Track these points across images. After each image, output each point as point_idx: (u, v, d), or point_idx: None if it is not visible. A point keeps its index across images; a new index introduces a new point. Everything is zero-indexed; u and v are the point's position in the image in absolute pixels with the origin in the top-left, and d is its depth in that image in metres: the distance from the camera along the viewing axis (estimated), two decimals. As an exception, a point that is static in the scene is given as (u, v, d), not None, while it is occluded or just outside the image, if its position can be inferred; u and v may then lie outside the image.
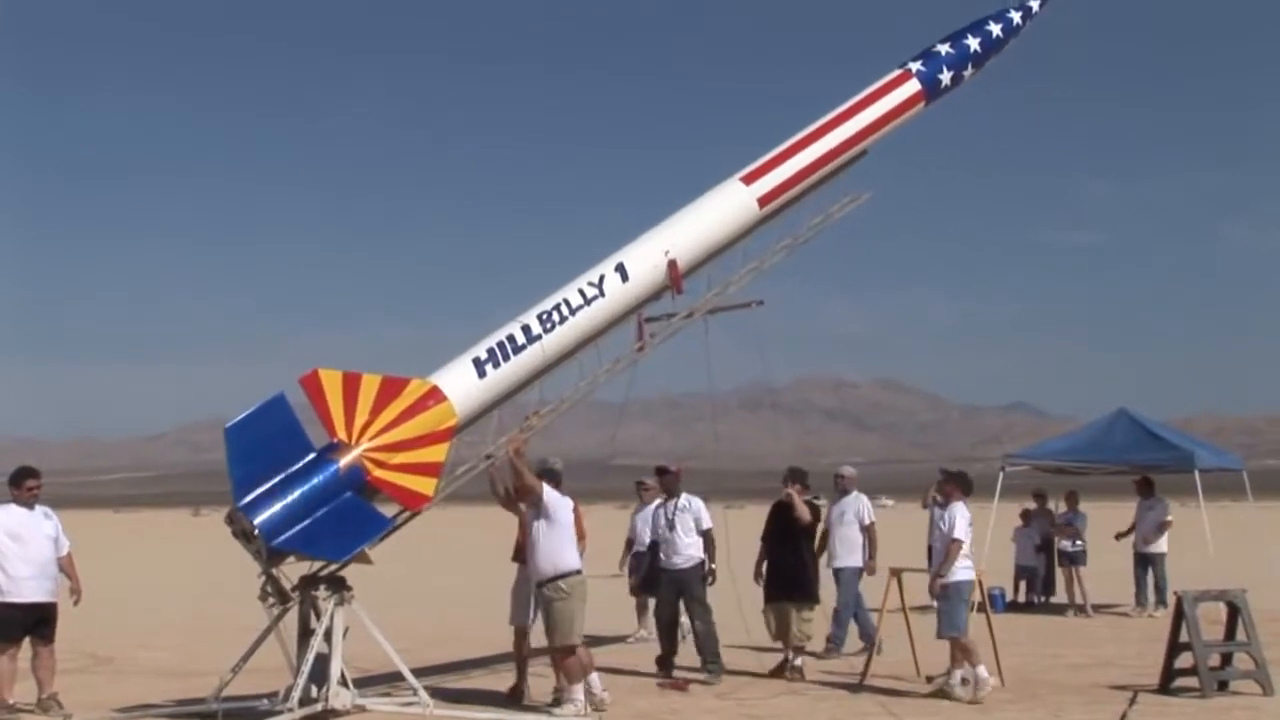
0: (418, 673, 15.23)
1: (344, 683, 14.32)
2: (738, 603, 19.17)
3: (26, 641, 15.46)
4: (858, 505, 20.87)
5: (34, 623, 15.42)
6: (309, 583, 14.60)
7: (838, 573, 20.55)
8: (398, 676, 15.12)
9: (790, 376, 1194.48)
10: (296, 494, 14.15)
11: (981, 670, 16.06)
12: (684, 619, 19.09)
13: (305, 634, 14.49)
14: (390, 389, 14.90)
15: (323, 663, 14.20)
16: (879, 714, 15.42)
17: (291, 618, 14.80)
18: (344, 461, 14.42)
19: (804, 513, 18.92)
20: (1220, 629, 17.23)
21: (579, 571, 15.46)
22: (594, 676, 15.56)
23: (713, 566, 19.14)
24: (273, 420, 14.62)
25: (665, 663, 18.64)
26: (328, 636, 14.27)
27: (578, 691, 15.06)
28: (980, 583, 18.58)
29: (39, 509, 15.62)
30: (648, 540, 20.63)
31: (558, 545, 15.29)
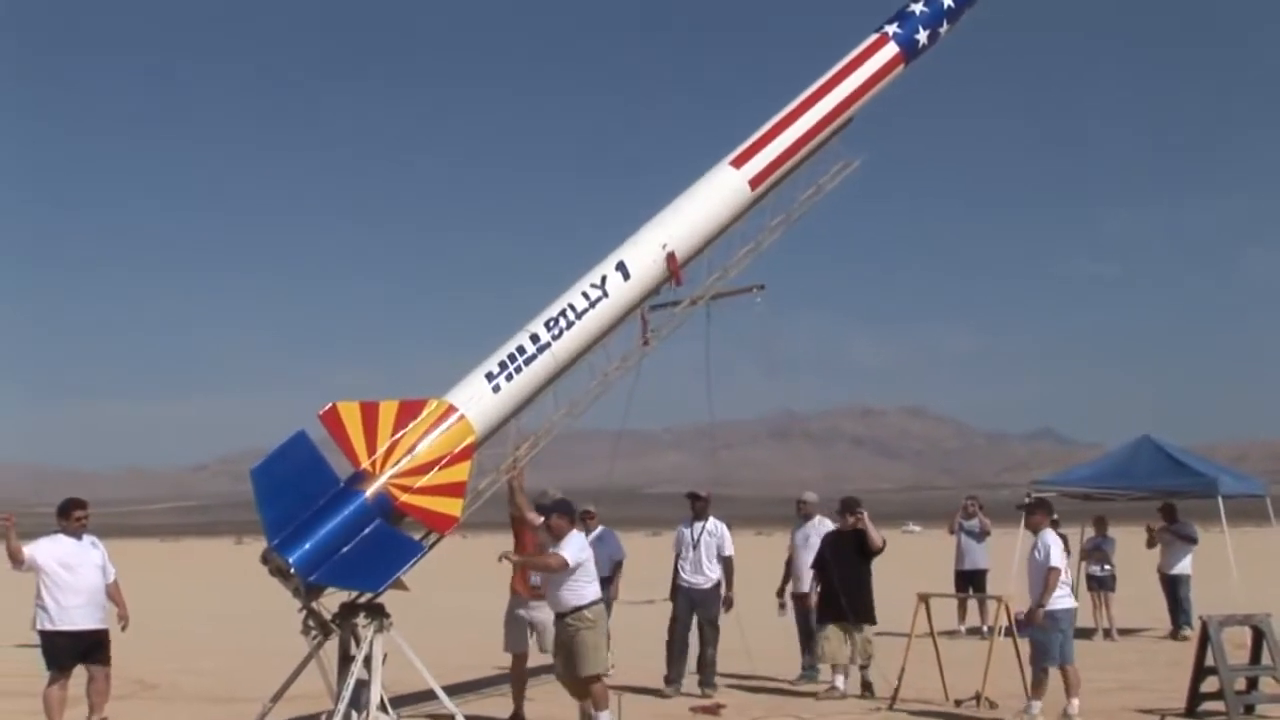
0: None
1: (383, 708, 14.23)
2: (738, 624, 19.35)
3: (80, 667, 15.50)
4: (822, 530, 20.61)
5: (86, 649, 15.49)
6: (349, 611, 14.50)
7: (803, 598, 20.46)
8: (426, 696, 15.18)
9: (818, 405, 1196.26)
10: (327, 528, 14.03)
11: (1038, 705, 16.06)
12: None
13: (345, 660, 14.39)
14: (407, 412, 14.79)
15: (362, 689, 14.13)
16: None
17: (331, 644, 14.70)
18: (370, 491, 14.29)
19: (877, 540, 19.32)
20: (1245, 653, 17.16)
21: (600, 601, 15.46)
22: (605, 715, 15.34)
23: (730, 594, 19.57)
24: (296, 458, 14.52)
25: (675, 678, 19.07)
26: (367, 663, 14.18)
27: (606, 716, 15.01)
28: (1007, 607, 18.65)
29: (87, 539, 15.71)
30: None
31: (580, 577, 15.19)
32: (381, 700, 14.22)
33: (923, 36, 17.85)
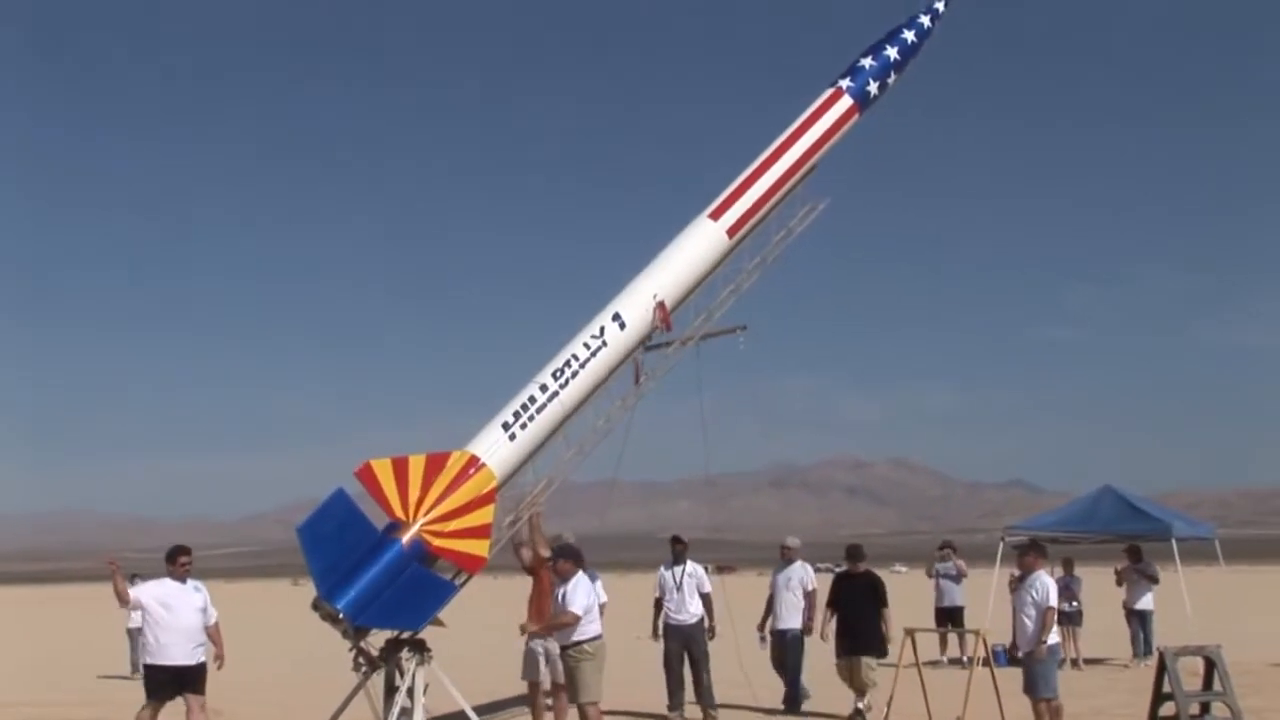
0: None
1: (425, 732, 14.30)
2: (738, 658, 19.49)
3: (180, 697, 15.63)
4: (802, 573, 20.68)
5: (183, 681, 15.58)
6: (394, 646, 14.56)
7: (783, 634, 20.45)
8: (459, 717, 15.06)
9: (814, 458, 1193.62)
10: (369, 575, 14.12)
11: None
12: None
13: (390, 691, 14.42)
14: (435, 465, 14.84)
15: (406, 717, 14.16)
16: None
17: (378, 675, 14.74)
18: (405, 538, 14.35)
19: (877, 585, 19.82)
20: (1199, 680, 17.27)
21: (599, 637, 15.47)
22: None
23: (712, 624, 19.64)
24: (337, 513, 14.63)
25: (676, 705, 19.21)
26: (410, 693, 14.22)
27: None
28: (984, 640, 18.65)
29: (190, 583, 15.81)
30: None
31: (585, 617, 15.29)
32: (423, 725, 14.29)
33: (873, 88, 17.99)
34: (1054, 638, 16.16)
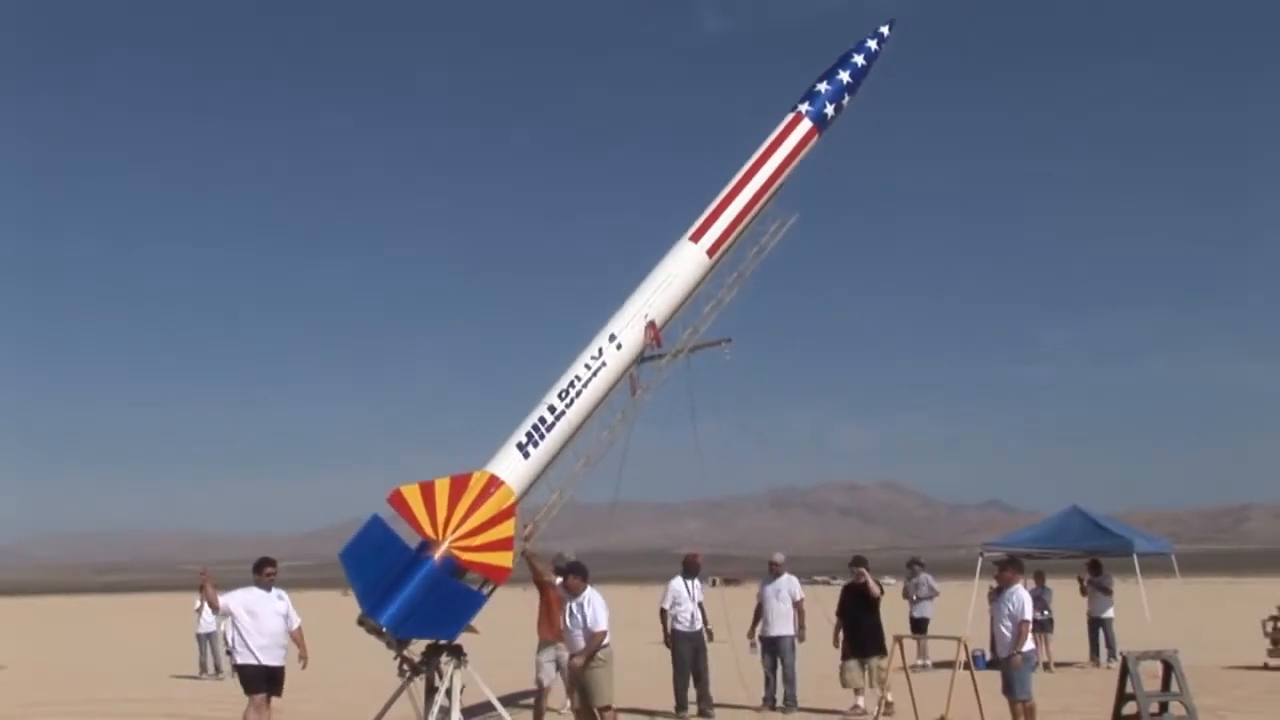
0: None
1: (462, 730, 14.32)
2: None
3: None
4: (790, 585, 20.75)
5: (265, 680, 15.72)
6: (433, 651, 14.56)
7: (776, 640, 20.47)
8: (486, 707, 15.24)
9: (812, 481, 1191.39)
10: (406, 591, 14.16)
11: None
12: None
13: (430, 690, 14.44)
14: (459, 486, 14.85)
15: (444, 714, 14.18)
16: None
17: (420, 677, 14.77)
18: (437, 555, 14.37)
19: (875, 589, 19.80)
20: (1158, 682, 17.26)
21: (608, 645, 15.55)
22: None
23: (709, 628, 20.20)
24: (374, 537, 14.73)
25: (682, 703, 19.44)
26: (448, 693, 14.25)
27: None
28: (965, 645, 18.62)
29: (274, 591, 15.92)
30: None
31: (585, 626, 15.47)
32: (460, 724, 14.34)
33: (830, 110, 17.84)
34: (1029, 645, 16.05)
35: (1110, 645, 27.78)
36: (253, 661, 15.71)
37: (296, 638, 15.98)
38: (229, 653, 32.42)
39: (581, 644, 15.44)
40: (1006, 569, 16.59)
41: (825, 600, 20.92)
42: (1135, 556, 27.31)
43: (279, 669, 15.81)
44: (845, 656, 19.79)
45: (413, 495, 14.73)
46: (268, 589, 15.94)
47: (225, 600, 15.98)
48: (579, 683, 15.52)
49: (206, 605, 33.38)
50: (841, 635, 20.10)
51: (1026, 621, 15.90)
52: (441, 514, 14.64)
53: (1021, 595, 16.08)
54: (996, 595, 16.39)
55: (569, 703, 17.03)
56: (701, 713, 19.36)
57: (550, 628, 16.21)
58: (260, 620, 15.72)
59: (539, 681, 17.00)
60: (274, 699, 15.87)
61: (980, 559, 29.48)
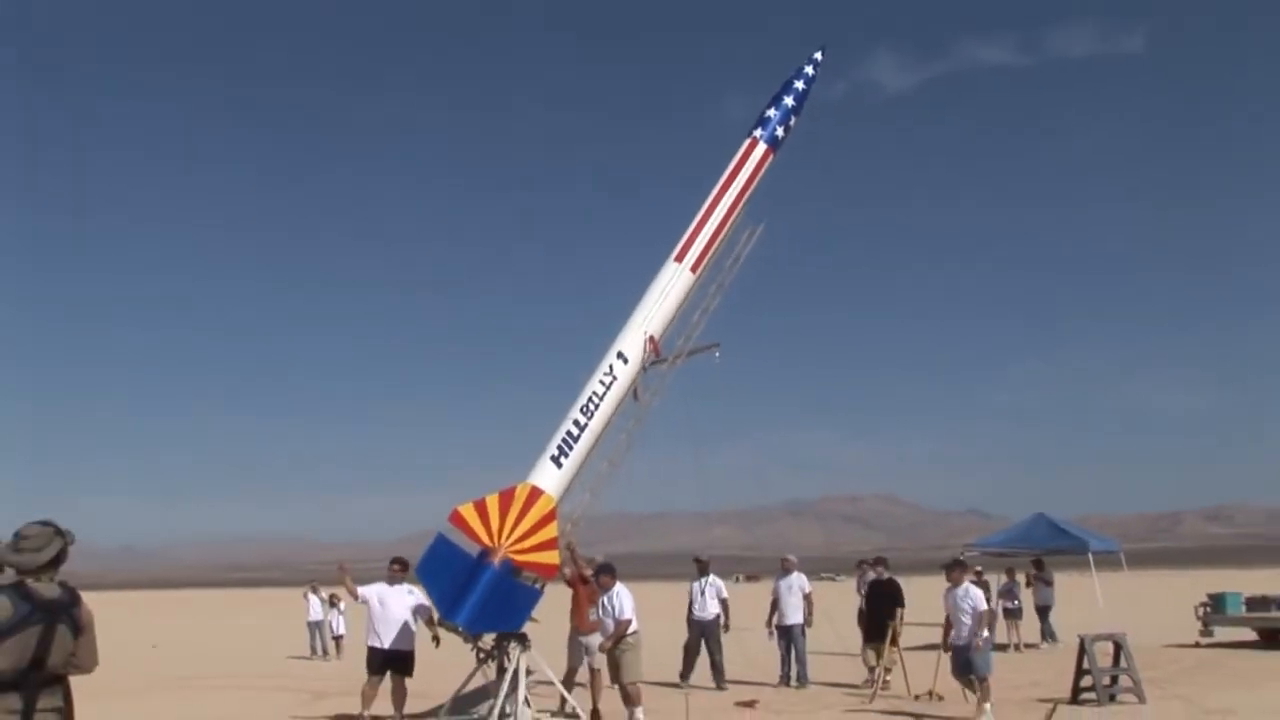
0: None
1: (526, 703, 14.33)
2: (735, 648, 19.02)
3: (389, 675, 15.77)
4: (800, 581, 20.99)
5: (392, 663, 15.71)
6: (502, 639, 14.64)
7: (789, 629, 20.62)
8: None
9: (821, 493, 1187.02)
10: (475, 594, 14.25)
11: (989, 706, 15.23)
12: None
13: (500, 671, 14.51)
14: (506, 498, 14.89)
15: (513, 690, 14.24)
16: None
17: (492, 660, 14.86)
18: (497, 560, 14.43)
19: (896, 589, 20.12)
20: (1110, 659, 17.20)
21: (638, 630, 15.53)
22: (637, 710, 15.32)
23: (727, 620, 20.49)
24: (441, 552, 14.84)
25: (685, 677, 19.87)
26: (516, 673, 14.31)
27: (639, 713, 15.10)
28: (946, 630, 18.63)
29: (404, 586, 15.90)
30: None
31: (615, 617, 15.48)
32: (525, 698, 14.36)
33: (780, 131, 17.60)
34: (987, 632, 15.81)
35: (1050, 628, 28.00)
36: (377, 645, 15.73)
37: (428, 623, 15.81)
38: (336, 638, 32.82)
39: (611, 630, 15.47)
40: (954, 570, 16.33)
41: (828, 595, 20.91)
42: (1090, 554, 27.22)
43: (405, 652, 15.75)
44: (866, 640, 19.88)
45: (469, 512, 14.82)
46: (398, 583, 15.96)
47: (363, 591, 16.08)
48: (613, 662, 15.54)
49: (315, 596, 33.99)
50: (864, 624, 20.31)
51: (987, 610, 15.70)
52: (495, 524, 14.71)
53: (973, 590, 15.83)
54: (949, 592, 16.22)
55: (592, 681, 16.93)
56: (717, 686, 19.49)
57: (581, 618, 16.21)
58: (388, 609, 15.75)
59: (571, 665, 16.95)
60: (406, 679, 15.85)
61: (962, 557, 29.47)
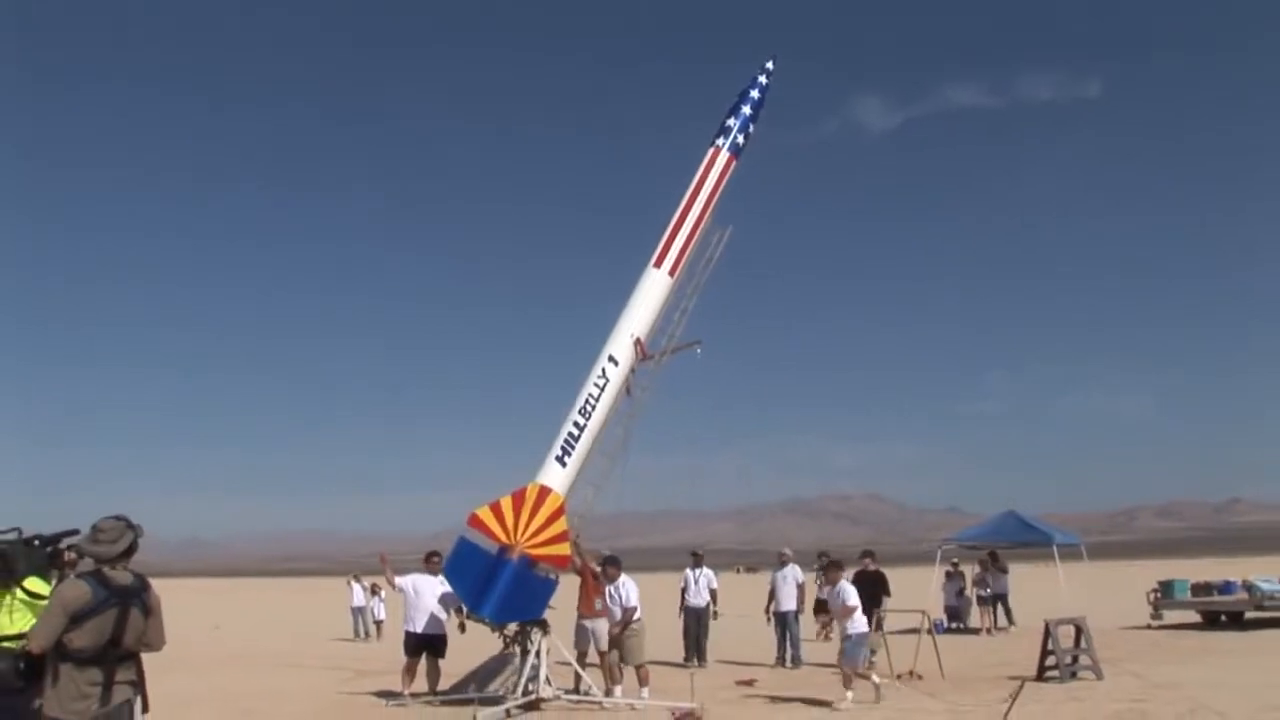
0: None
1: (547, 682, 14.38)
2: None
3: (425, 657, 15.87)
4: (794, 572, 20.98)
5: (427, 646, 15.81)
6: (525, 625, 14.74)
7: (784, 614, 20.64)
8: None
9: (814, 493, 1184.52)
10: (498, 588, 14.34)
11: (850, 694, 14.47)
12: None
13: (524, 653, 14.59)
14: (518, 499, 14.89)
15: (535, 671, 14.30)
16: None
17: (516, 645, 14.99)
18: (514, 556, 14.50)
19: (883, 579, 20.49)
20: (1071, 641, 17.14)
21: (641, 618, 15.66)
22: (644, 690, 15.29)
23: (716, 608, 20.89)
24: (464, 552, 14.94)
25: (690, 658, 20.08)
26: (538, 655, 14.37)
27: (646, 693, 15.08)
28: (927, 614, 18.73)
29: (438, 577, 15.90)
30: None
31: (622, 604, 15.60)
32: (546, 677, 14.41)
33: (741, 139, 17.31)
34: (862, 627, 15.08)
35: (1008, 614, 27.99)
36: (413, 630, 15.83)
37: (456, 612, 15.82)
38: (377, 623, 32.89)
39: (619, 618, 15.53)
40: (831, 570, 15.88)
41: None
42: (1055, 547, 27.16)
43: (438, 636, 15.82)
44: None
45: (485, 514, 14.84)
46: (434, 574, 15.98)
47: (400, 581, 16.16)
48: (622, 646, 15.57)
49: (358, 585, 34.07)
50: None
51: (853, 606, 14.97)
52: (510, 523, 14.73)
53: (846, 588, 15.24)
54: (829, 590, 15.93)
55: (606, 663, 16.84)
56: (700, 665, 19.56)
57: (587, 605, 16.25)
58: (423, 598, 15.81)
59: (579, 649, 16.94)
60: (440, 660, 15.91)
61: (939, 551, 29.52)
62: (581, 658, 16.28)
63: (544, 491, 15.02)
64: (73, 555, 6.66)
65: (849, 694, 14.39)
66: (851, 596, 15.18)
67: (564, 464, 15.30)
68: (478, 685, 15.47)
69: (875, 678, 15.15)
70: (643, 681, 15.28)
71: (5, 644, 6.27)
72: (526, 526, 14.70)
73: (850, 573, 19.17)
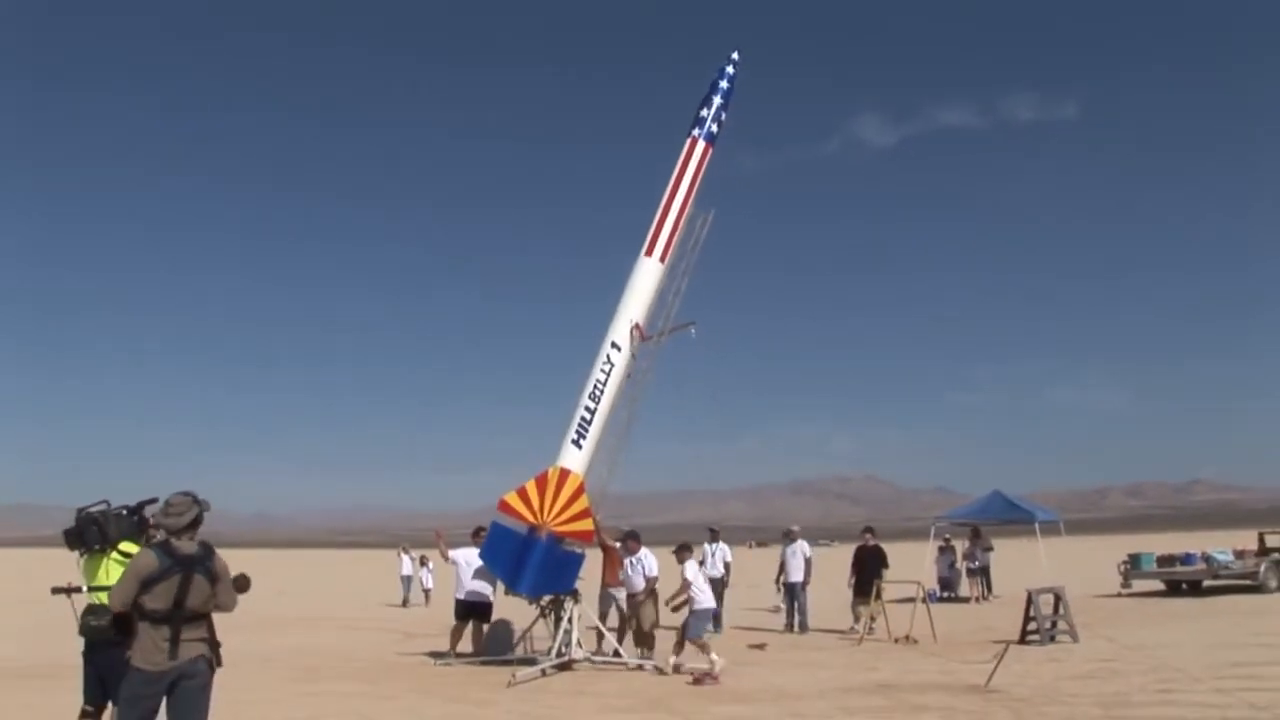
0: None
1: (579, 645, 14.35)
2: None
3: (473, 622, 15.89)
4: (802, 546, 20.79)
5: (474, 611, 15.83)
6: (558, 595, 14.73)
7: (792, 586, 20.54)
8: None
9: (818, 475, 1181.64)
10: (531, 566, 14.38)
11: (709, 661, 13.31)
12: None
13: (558, 620, 14.57)
14: (542, 482, 14.83)
15: (567, 636, 14.28)
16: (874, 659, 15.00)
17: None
18: (544, 534, 14.50)
19: (882, 553, 20.14)
20: (1051, 608, 17.09)
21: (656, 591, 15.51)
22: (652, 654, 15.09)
23: (727, 578, 20.69)
24: (498, 535, 14.97)
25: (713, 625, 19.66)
26: (570, 621, 14.35)
27: (656, 656, 14.86)
28: (921, 585, 18.64)
29: None
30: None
31: (645, 575, 15.43)
32: (578, 641, 14.37)
33: (714, 128, 16.92)
34: (707, 604, 14.15)
35: (988, 584, 27.88)
36: (461, 598, 15.88)
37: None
38: (425, 591, 33.01)
39: (639, 588, 15.37)
40: (682, 551, 14.72)
41: (827, 558, 20.84)
42: (1036, 524, 26.98)
43: (484, 603, 15.81)
44: (855, 595, 19.77)
45: (513, 499, 14.82)
46: (479, 547, 15.94)
47: (453, 554, 16.21)
48: (635, 613, 15.46)
49: (406, 556, 34.22)
50: (854, 582, 20.09)
51: (688, 582, 14.03)
52: (536, 504, 14.70)
53: (691, 568, 14.31)
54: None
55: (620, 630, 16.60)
56: (716, 631, 18.90)
57: (611, 575, 16.19)
58: (471, 568, 15.86)
59: (602, 613, 16.80)
60: (485, 625, 15.91)
61: (932, 528, 29.43)
62: (602, 620, 16.28)
63: (564, 473, 14.97)
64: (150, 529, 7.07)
65: (714, 656, 13.31)
66: (695, 574, 14.25)
67: (580, 446, 15.21)
68: (500, 649, 15.45)
69: (714, 655, 13.50)
70: (651, 647, 15.11)
71: (106, 595, 6.61)
72: (552, 505, 14.67)
73: (853, 547, 19.08)
